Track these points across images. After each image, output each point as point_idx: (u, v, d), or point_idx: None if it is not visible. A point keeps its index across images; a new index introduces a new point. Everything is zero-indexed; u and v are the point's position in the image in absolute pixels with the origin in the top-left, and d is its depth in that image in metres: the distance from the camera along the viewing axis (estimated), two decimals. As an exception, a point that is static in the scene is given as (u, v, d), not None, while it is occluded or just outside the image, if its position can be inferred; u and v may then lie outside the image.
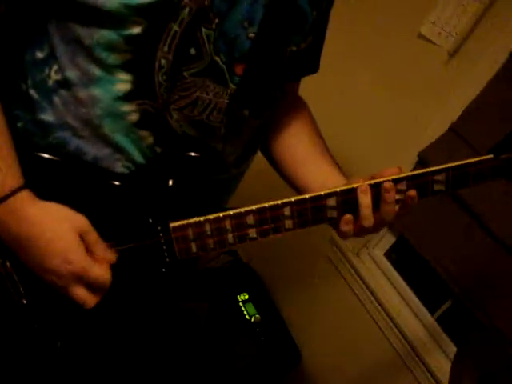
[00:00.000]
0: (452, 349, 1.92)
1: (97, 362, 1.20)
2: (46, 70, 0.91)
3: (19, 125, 0.92)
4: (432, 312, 2.05)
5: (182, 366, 1.57)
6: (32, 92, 0.93)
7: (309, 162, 1.16)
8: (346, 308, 2.26)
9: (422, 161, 1.89)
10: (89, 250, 0.89)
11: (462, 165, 0.97)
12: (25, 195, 0.86)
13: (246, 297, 2.42)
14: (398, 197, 0.96)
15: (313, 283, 2.43)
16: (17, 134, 0.89)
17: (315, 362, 2.40)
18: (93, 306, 0.90)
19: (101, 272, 0.88)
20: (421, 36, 1.94)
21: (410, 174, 0.97)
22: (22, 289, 0.93)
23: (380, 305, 2.11)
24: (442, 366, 1.87)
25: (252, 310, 2.39)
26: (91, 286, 0.89)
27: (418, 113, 1.92)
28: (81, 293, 0.89)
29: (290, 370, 2.40)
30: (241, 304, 2.40)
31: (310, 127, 1.20)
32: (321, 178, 1.12)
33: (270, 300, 2.53)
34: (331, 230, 2.22)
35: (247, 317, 2.36)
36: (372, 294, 2.14)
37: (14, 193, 0.84)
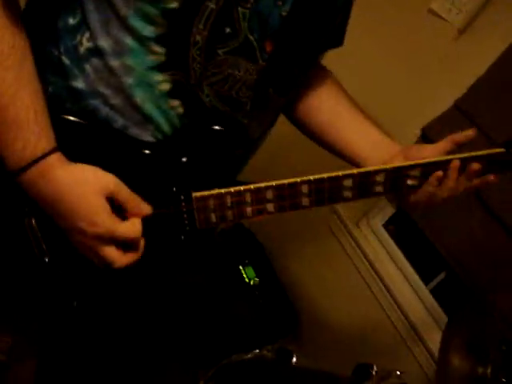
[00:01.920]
0: (444, 320, 1.98)
1: (107, 321, 1.25)
2: (78, 37, 0.92)
3: (51, 89, 0.93)
4: (426, 283, 2.12)
5: (181, 319, 1.63)
6: (64, 58, 0.94)
7: (353, 122, 1.18)
8: (343, 275, 2.33)
9: (424, 135, 1.93)
10: (122, 208, 0.92)
11: (474, 156, 1.01)
12: (56, 158, 0.88)
13: (247, 261, 2.47)
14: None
15: (312, 250, 2.49)
16: (48, 98, 0.91)
17: (313, 327, 2.46)
18: (123, 266, 0.93)
19: (127, 229, 0.91)
20: (431, 11, 1.96)
21: (428, 160, 1.02)
22: (44, 246, 0.97)
23: (376, 273, 2.17)
24: (434, 336, 1.94)
25: (251, 273, 2.44)
26: (122, 246, 0.92)
27: (423, 87, 1.94)
28: (110, 252, 0.91)
29: (287, 334, 2.46)
30: (241, 267, 2.45)
31: (342, 89, 1.23)
32: (367, 140, 1.15)
33: (269, 265, 2.58)
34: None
35: (246, 280, 2.42)
36: (369, 262, 2.21)
37: (45, 155, 0.87)
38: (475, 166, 1.00)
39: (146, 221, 0.94)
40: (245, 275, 2.44)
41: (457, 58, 1.89)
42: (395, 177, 1.01)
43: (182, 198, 0.98)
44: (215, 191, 0.97)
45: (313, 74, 1.21)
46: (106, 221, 0.89)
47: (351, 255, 2.29)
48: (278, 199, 0.99)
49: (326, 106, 1.20)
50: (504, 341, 1.52)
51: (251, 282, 2.42)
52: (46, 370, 1.23)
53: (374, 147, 1.14)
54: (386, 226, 2.31)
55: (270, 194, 0.98)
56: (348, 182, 1.00)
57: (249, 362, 1.28)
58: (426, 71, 1.95)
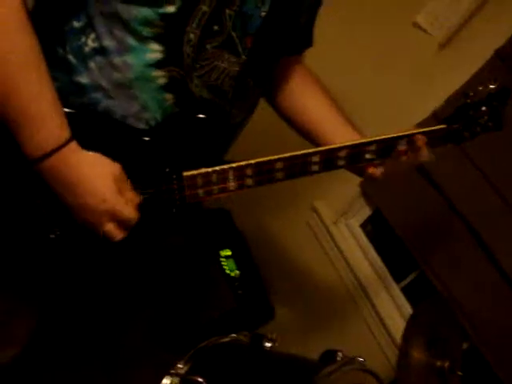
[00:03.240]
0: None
1: (101, 288, 1.35)
2: (83, 38, 1.03)
3: (56, 85, 1.01)
4: (398, 281, 2.23)
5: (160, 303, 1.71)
6: (70, 57, 1.05)
7: (327, 122, 1.35)
8: (320, 271, 2.42)
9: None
10: (120, 192, 1.03)
11: (424, 131, 1.21)
12: (74, 145, 0.99)
13: (229, 253, 2.55)
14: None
15: (292, 246, 2.58)
16: None
17: (286, 320, 2.55)
18: (119, 240, 1.06)
19: (130, 211, 1.04)
20: (416, 24, 2.05)
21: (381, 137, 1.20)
22: (51, 224, 1.08)
23: (351, 270, 2.28)
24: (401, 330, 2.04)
25: (233, 265, 2.52)
26: (121, 223, 1.04)
27: (404, 97, 2.03)
28: (112, 228, 1.04)
29: (262, 324, 2.54)
30: (223, 259, 2.52)
31: (323, 90, 1.38)
32: (339, 137, 1.30)
33: (251, 258, 2.65)
34: (313, 197, 2.35)
35: (227, 271, 2.49)
36: (345, 260, 2.31)
37: (66, 143, 0.97)
38: (420, 138, 1.19)
39: (141, 203, 1.07)
40: (226, 267, 2.51)
41: (437, 70, 1.98)
42: (355, 152, 1.18)
43: (174, 176, 1.10)
44: (203, 170, 1.10)
45: (300, 76, 1.37)
46: (114, 199, 1.01)
47: (328, 252, 2.39)
48: (257, 174, 1.13)
49: (310, 108, 1.36)
50: (464, 337, 1.63)
51: (232, 274, 2.49)
52: (42, 327, 1.33)
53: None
54: (363, 226, 2.42)
55: (249, 171, 1.12)
56: (316, 158, 1.16)
57: (225, 346, 1.37)
58: (407, 82, 2.04)
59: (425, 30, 2.03)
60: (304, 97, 1.37)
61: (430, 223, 2.01)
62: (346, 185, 2.28)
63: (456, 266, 1.88)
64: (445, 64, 1.97)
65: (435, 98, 1.94)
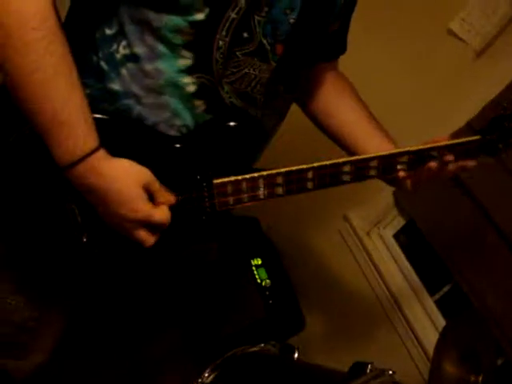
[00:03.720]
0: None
1: (126, 294, 1.36)
2: (115, 46, 1.05)
3: (89, 92, 1.04)
4: (432, 294, 2.18)
5: (189, 310, 1.71)
6: (102, 63, 1.06)
7: (359, 127, 1.35)
8: (352, 282, 2.39)
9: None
10: (153, 196, 1.05)
11: (458, 143, 1.19)
12: (102, 153, 0.99)
13: (260, 262, 2.55)
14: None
15: (323, 256, 2.56)
16: None
17: (317, 331, 2.53)
18: (152, 245, 1.07)
19: (161, 215, 1.05)
20: (450, 31, 2.02)
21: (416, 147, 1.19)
22: (83, 229, 1.10)
23: (384, 282, 2.24)
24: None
25: (264, 274, 2.51)
26: (152, 228, 1.06)
27: (438, 106, 2.00)
28: (143, 234, 1.05)
29: (292, 335, 2.53)
30: (254, 268, 2.52)
31: (356, 96, 1.39)
32: (370, 142, 1.31)
33: (281, 267, 2.65)
34: (346, 207, 2.34)
35: (258, 280, 2.49)
36: (378, 271, 2.27)
37: (94, 151, 0.98)
38: (448, 156, 1.18)
39: (175, 205, 1.09)
40: (257, 276, 2.51)
41: (473, 78, 1.94)
42: (387, 162, 1.17)
43: (204, 184, 1.11)
44: (233, 178, 1.11)
45: (333, 81, 1.38)
46: (144, 208, 1.03)
47: (360, 263, 2.36)
48: (287, 183, 1.13)
49: (342, 111, 1.37)
50: (499, 352, 1.59)
51: (263, 283, 2.49)
52: (71, 332, 1.35)
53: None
54: (396, 236, 2.38)
55: (279, 179, 1.13)
56: (347, 168, 1.15)
57: (253, 355, 1.36)
58: (442, 90, 2.01)
59: (460, 38, 2.00)
60: (337, 101, 1.37)
61: (465, 234, 1.96)
62: (379, 194, 2.25)
63: (491, 278, 1.83)
64: (481, 73, 1.93)
65: (470, 107, 1.91)
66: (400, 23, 2.16)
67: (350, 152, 1.33)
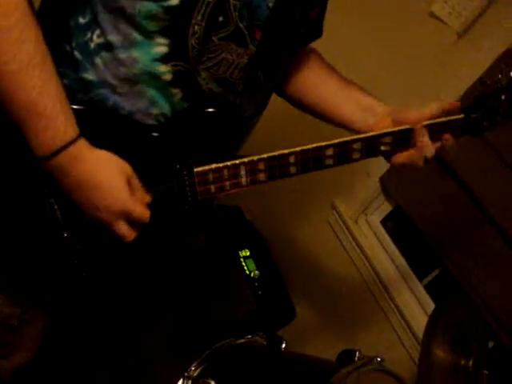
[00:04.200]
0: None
1: (112, 289, 1.33)
2: (89, 34, 1.02)
3: (64, 82, 1.02)
4: (421, 279, 2.17)
5: (179, 305, 1.69)
6: (76, 53, 1.04)
7: (341, 90, 1.33)
8: (340, 269, 2.38)
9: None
10: (132, 191, 1.03)
11: (443, 122, 1.17)
12: (82, 142, 0.98)
13: (248, 253, 2.53)
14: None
15: (311, 245, 2.54)
16: None
17: (306, 319, 2.52)
18: (131, 240, 1.05)
19: (142, 211, 1.03)
20: (432, 14, 2.00)
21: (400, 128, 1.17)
22: (62, 223, 1.08)
23: (372, 268, 2.23)
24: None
25: (252, 265, 2.50)
26: (132, 222, 1.04)
27: (422, 89, 1.98)
28: (124, 228, 1.04)
29: (283, 325, 2.52)
30: (242, 259, 2.50)
31: (326, 63, 1.37)
32: (354, 105, 1.30)
33: (269, 258, 2.63)
34: (332, 195, 2.32)
35: (247, 272, 2.47)
36: (366, 258, 2.26)
37: (74, 141, 0.96)
38: (446, 135, 1.17)
39: (154, 195, 1.07)
40: (246, 267, 2.49)
41: (456, 60, 1.93)
42: (370, 144, 1.15)
43: (185, 172, 1.09)
44: (214, 165, 1.09)
45: (306, 59, 1.36)
46: (127, 199, 1.01)
47: (349, 250, 2.35)
48: (269, 169, 1.11)
49: (314, 82, 1.35)
50: (490, 335, 1.58)
51: (251, 275, 2.48)
52: (56, 330, 1.33)
53: (361, 110, 1.29)
54: (384, 222, 2.37)
55: (261, 165, 1.11)
56: (329, 151, 1.13)
57: (240, 347, 1.34)
58: (426, 73, 1.99)
59: (442, 20, 1.98)
60: (312, 76, 1.35)
61: (452, 217, 1.95)
62: (365, 181, 2.24)
63: (479, 261, 1.82)
64: (463, 54, 1.91)
65: (456, 88, 1.89)
66: (382, 7, 2.14)
67: (336, 123, 1.32)
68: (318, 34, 1.33)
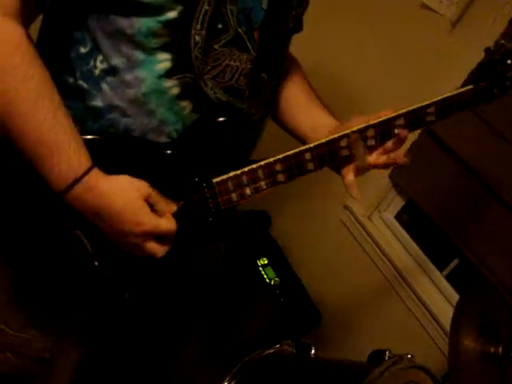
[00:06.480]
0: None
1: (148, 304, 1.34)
2: (92, 62, 1.03)
3: (71, 113, 1.01)
4: (441, 269, 2.16)
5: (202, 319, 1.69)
6: (81, 82, 1.05)
7: (302, 109, 1.32)
8: (360, 269, 2.38)
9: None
10: (154, 207, 1.03)
11: (448, 97, 1.15)
12: (96, 172, 0.99)
13: (266, 261, 2.53)
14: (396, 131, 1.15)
15: (328, 247, 2.54)
16: None
17: (332, 323, 2.51)
18: (163, 255, 1.06)
19: (167, 223, 1.04)
20: (423, 5, 2.00)
21: (407, 109, 1.15)
22: (93, 253, 1.08)
23: (392, 264, 2.23)
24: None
25: (271, 273, 2.50)
26: (160, 239, 1.05)
27: (419, 81, 1.98)
28: (153, 246, 1.04)
29: (310, 330, 2.51)
30: (261, 268, 2.51)
31: (302, 79, 1.36)
32: (311, 122, 1.29)
33: (287, 264, 2.63)
34: (344, 197, 2.32)
35: (267, 280, 2.48)
36: (384, 254, 2.26)
37: (88, 171, 0.97)
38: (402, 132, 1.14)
39: (177, 212, 1.07)
40: (265, 276, 2.50)
41: (452, 49, 1.93)
42: (385, 127, 1.14)
43: (205, 185, 1.09)
44: (232, 173, 1.10)
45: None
46: (149, 220, 1.02)
47: (366, 248, 2.35)
48: (287, 169, 1.12)
49: (287, 95, 1.34)
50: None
51: (272, 282, 2.48)
52: (90, 360, 1.33)
53: (316, 129, 1.26)
54: (398, 216, 2.37)
55: (279, 166, 1.11)
56: (343, 142, 1.12)
57: (270, 357, 1.34)
58: (422, 64, 1.99)
59: (434, 10, 1.98)
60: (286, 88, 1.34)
61: (465, 204, 1.95)
62: (375, 179, 2.23)
63: (497, 245, 1.82)
64: (459, 42, 1.91)
65: (455, 76, 1.88)
66: (373, 3, 2.15)
67: (294, 136, 1.33)
68: (300, 27, 1.32)
